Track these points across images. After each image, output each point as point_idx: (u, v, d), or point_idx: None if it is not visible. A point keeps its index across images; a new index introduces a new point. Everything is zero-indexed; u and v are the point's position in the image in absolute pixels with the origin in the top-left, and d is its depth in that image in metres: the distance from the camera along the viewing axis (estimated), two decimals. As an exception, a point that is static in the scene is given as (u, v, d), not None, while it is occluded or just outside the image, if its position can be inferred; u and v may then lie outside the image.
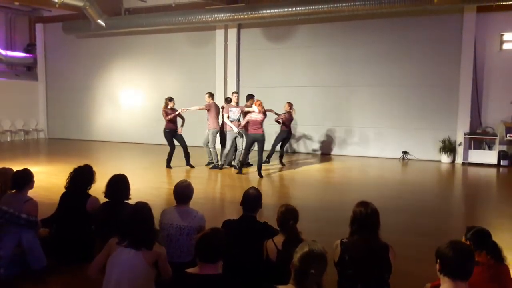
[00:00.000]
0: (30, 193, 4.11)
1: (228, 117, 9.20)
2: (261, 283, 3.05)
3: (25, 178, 4.01)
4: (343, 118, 12.30)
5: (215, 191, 7.93)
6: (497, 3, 9.73)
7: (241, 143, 9.44)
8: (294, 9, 11.42)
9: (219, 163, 9.57)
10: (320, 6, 11.09)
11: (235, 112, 9.25)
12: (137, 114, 15.05)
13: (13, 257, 3.61)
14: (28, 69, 17.29)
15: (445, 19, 11.03)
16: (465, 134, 10.78)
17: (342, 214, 5.35)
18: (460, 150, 10.91)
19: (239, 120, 9.24)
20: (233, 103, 9.40)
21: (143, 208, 3.11)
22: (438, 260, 2.23)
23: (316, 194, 7.56)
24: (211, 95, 9.74)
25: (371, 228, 2.84)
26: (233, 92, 9.85)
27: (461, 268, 2.17)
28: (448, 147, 10.97)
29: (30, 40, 17.28)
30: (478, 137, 10.85)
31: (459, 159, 10.94)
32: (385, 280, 2.80)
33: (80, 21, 14.52)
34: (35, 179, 4.14)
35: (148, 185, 7.75)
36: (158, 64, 14.67)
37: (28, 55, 16.90)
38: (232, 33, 13.37)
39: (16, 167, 4.37)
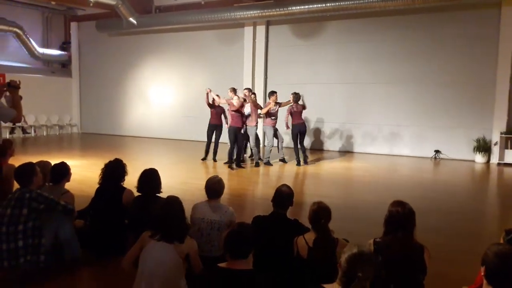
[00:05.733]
0: (66, 185, 4.24)
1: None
2: (292, 280, 3.05)
3: (63, 171, 4.13)
4: (373, 115, 12.09)
5: (243, 188, 7.95)
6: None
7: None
8: (324, 5, 11.29)
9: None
10: (350, 2, 10.92)
11: (247, 108, 9.45)
12: (167, 110, 15.29)
13: (51, 246, 3.74)
14: (63, 66, 17.87)
15: (482, 15, 10.63)
16: (501, 133, 10.39)
17: (373, 213, 5.28)
18: (495, 149, 10.52)
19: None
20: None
21: (175, 201, 3.15)
22: (484, 266, 2.13)
23: (346, 193, 7.47)
24: (234, 90, 9.68)
25: (407, 228, 2.77)
26: (245, 88, 10.00)
27: (506, 280, 2.06)
28: (483, 147, 10.59)
29: (65, 38, 17.85)
30: (515, 137, 10.44)
31: (494, 159, 10.55)
32: (419, 281, 2.73)
33: (113, 19, 14.88)
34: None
35: (178, 180, 7.85)
36: (187, 61, 14.85)
37: (63, 52, 17.46)
38: (261, 30, 13.36)
39: (52, 160, 4.51)
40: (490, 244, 2.20)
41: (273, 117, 9.58)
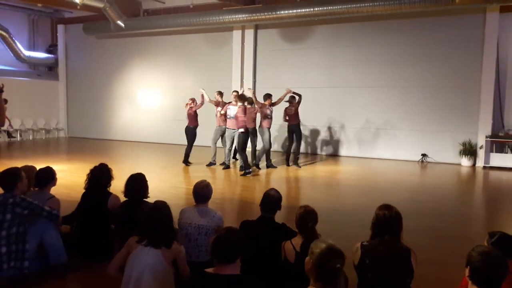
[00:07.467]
0: (52, 190, 4.19)
1: (225, 114, 9.55)
2: (279, 285, 3.04)
3: (48, 176, 4.08)
4: (361, 119, 12.18)
5: (232, 192, 7.94)
6: (521, 3, 9.49)
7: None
8: (312, 9, 11.35)
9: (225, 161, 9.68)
10: (338, 7, 11.00)
11: (232, 110, 9.37)
12: (155, 114, 15.19)
13: (37, 252, 3.68)
14: (49, 69, 17.65)
15: (467, 19, 10.81)
16: (486, 137, 10.54)
17: (361, 217, 5.30)
18: (481, 153, 10.66)
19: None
20: (233, 102, 9.49)
21: (162, 206, 3.13)
22: (468, 266, 2.14)
23: (334, 196, 7.50)
24: (220, 93, 9.98)
25: (394, 232, 2.78)
26: (233, 91, 9.94)
27: (490, 279, 2.07)
28: (469, 150, 10.73)
29: (52, 41, 17.64)
30: (500, 140, 10.58)
31: (480, 163, 10.70)
32: (407, 284, 2.74)
33: (100, 22, 14.76)
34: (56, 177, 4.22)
35: (166, 184, 7.80)
36: (176, 64, 14.79)
37: (49, 55, 17.25)
38: (249, 33, 13.39)
39: (38, 165, 4.46)
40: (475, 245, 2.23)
41: (269, 117, 9.58)
